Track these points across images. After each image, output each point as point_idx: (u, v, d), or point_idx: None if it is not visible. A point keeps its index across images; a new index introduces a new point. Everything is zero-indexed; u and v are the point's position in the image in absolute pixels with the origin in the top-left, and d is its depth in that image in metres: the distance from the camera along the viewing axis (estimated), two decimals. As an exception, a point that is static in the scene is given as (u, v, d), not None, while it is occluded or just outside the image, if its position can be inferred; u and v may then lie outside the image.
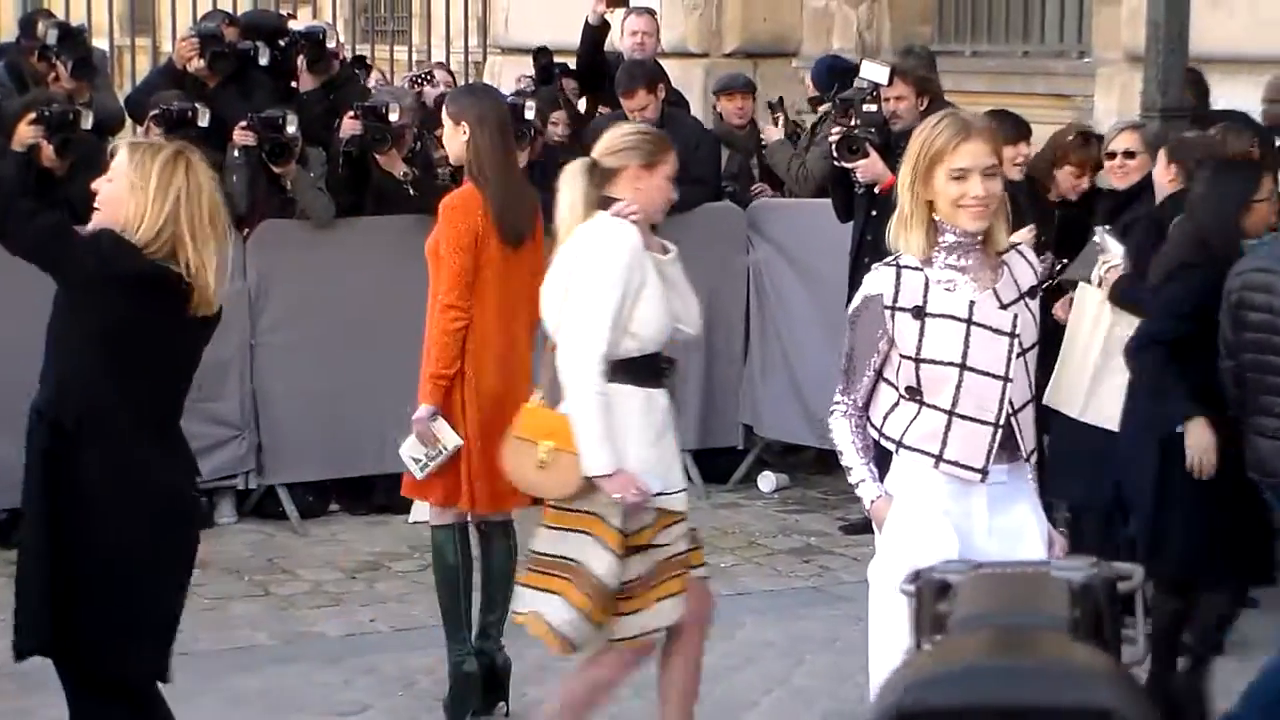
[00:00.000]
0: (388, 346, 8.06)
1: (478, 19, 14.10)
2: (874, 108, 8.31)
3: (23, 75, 9.25)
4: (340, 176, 8.66)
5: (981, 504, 4.45)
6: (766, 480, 9.39)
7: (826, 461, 9.82)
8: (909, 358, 4.41)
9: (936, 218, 4.41)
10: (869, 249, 8.40)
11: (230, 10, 10.80)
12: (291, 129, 8.41)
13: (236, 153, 8.45)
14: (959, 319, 4.40)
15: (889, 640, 4.49)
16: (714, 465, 9.42)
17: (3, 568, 7.77)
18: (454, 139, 6.20)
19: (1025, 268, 4.53)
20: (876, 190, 8.24)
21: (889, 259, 4.47)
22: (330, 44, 9.31)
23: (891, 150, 8.28)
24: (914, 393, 4.43)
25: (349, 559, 8.08)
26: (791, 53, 12.34)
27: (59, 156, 8.08)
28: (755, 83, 10.60)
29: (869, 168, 8.19)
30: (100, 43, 12.38)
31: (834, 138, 8.27)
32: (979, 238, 4.43)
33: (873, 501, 4.51)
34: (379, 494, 8.54)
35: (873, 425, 4.51)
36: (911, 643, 2.03)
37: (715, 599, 5.79)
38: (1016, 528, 4.48)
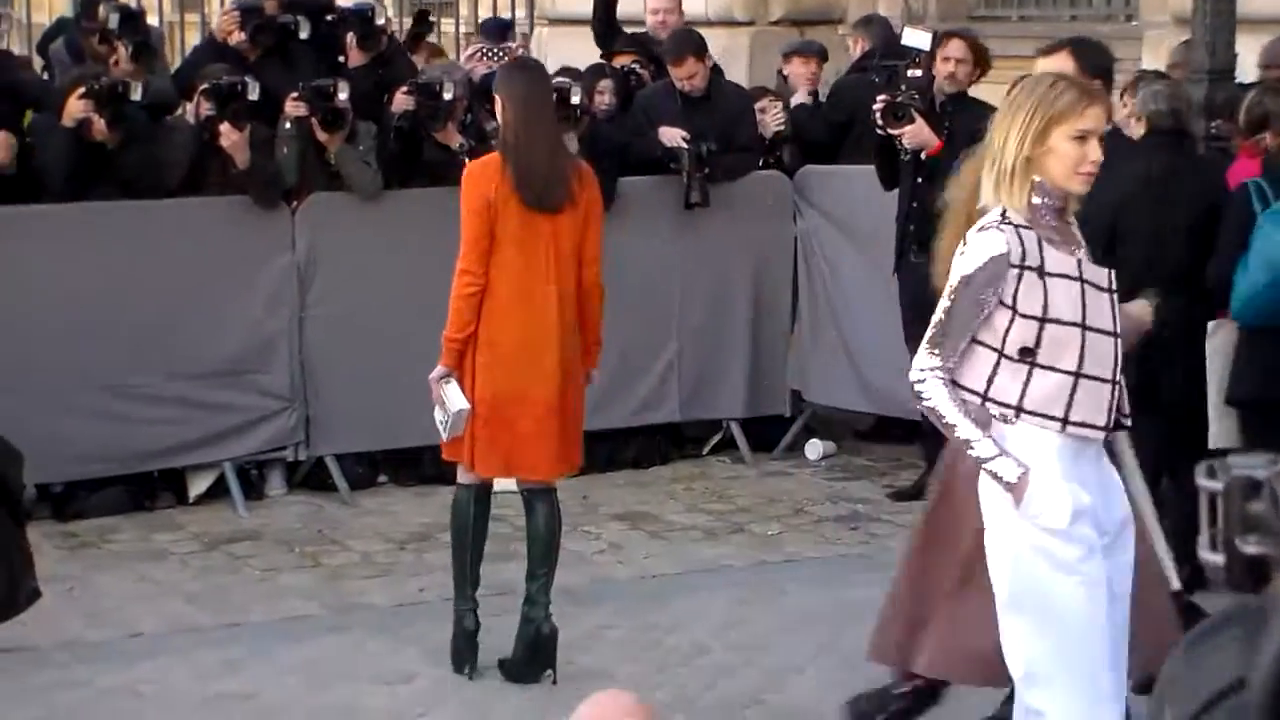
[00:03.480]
0: (436, 317, 8.03)
1: (525, -7, 14.09)
2: (918, 73, 8.29)
3: (82, 55, 9.32)
4: (391, 150, 8.69)
5: (1093, 461, 4.46)
6: (814, 448, 9.39)
7: (874, 429, 9.84)
8: (1032, 317, 4.35)
9: (1036, 177, 4.38)
10: (916, 215, 8.38)
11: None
12: (343, 96, 8.42)
13: (288, 124, 8.48)
14: (1073, 277, 4.38)
15: (1028, 615, 4.42)
16: (761, 434, 9.43)
17: (61, 540, 7.88)
18: (498, 112, 6.32)
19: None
20: (923, 156, 8.22)
21: (996, 218, 4.39)
22: (379, 20, 9.33)
23: (936, 115, 8.26)
24: (1028, 354, 4.37)
25: (398, 530, 8.13)
26: (837, 19, 12.30)
27: (110, 129, 8.14)
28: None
29: (915, 133, 8.16)
30: (151, 19, 12.45)
31: (879, 105, 8.24)
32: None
33: (1019, 477, 4.35)
34: (427, 465, 8.56)
35: (969, 391, 4.42)
36: (1205, 540, 1.99)
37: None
38: (1109, 481, 4.53)
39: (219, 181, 8.40)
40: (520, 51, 9.38)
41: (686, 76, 9.18)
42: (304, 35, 9.12)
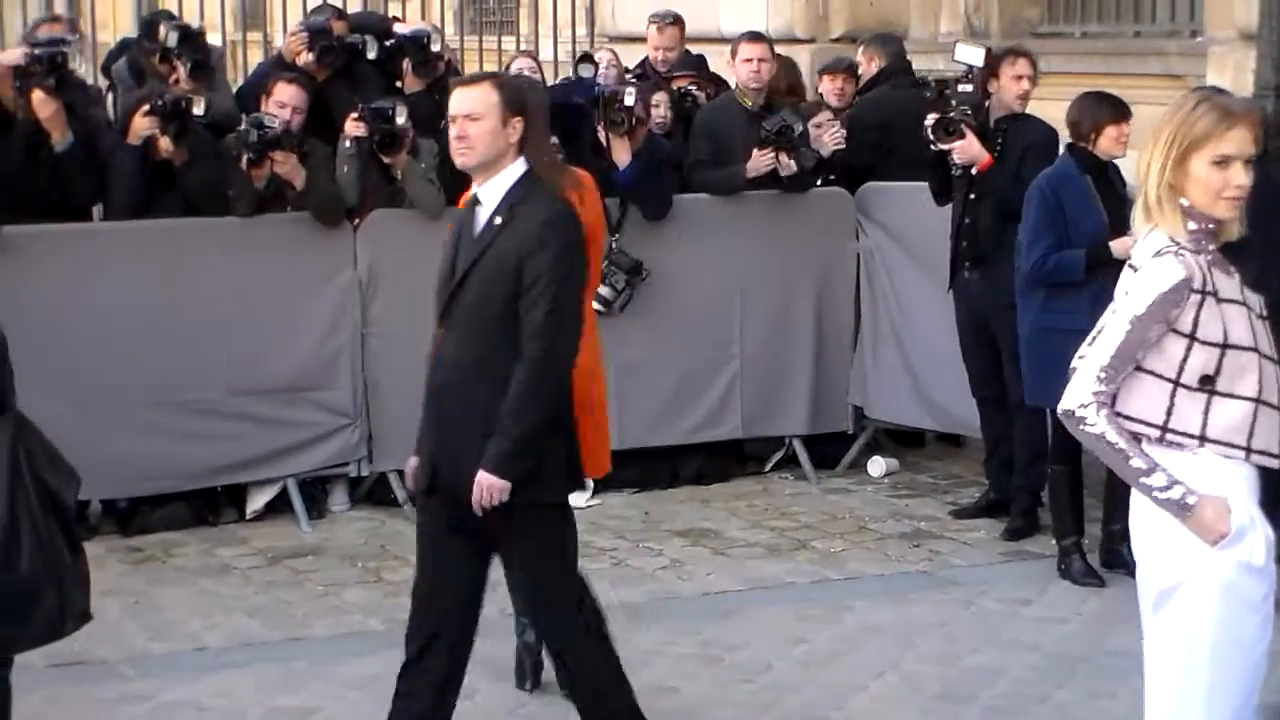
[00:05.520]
0: (497, 334, 8.08)
1: (585, 8, 14.12)
2: (969, 88, 8.24)
3: (144, 74, 9.39)
4: (451, 167, 8.69)
5: (1252, 489, 4.32)
6: (876, 465, 9.37)
7: (937, 446, 9.81)
8: (1213, 344, 4.22)
9: (1184, 202, 4.27)
10: (969, 231, 8.32)
11: (340, 4, 10.87)
12: (401, 119, 8.46)
13: (348, 143, 8.52)
14: (1240, 302, 4.27)
15: (1230, 655, 4.27)
16: (824, 450, 9.40)
17: (125, 555, 7.93)
18: None
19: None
20: (974, 171, 8.18)
21: (1167, 243, 4.26)
22: (435, 47, 9.34)
23: (990, 131, 8.20)
24: (1207, 382, 4.23)
25: (460, 545, 8.13)
26: (899, 37, 12.27)
27: (174, 145, 8.21)
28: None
29: (965, 149, 8.12)
30: (214, 38, 12.51)
31: (930, 120, 8.20)
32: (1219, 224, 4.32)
33: (1196, 502, 4.19)
34: (489, 481, 8.57)
35: (1145, 423, 4.27)
36: None
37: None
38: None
39: (280, 199, 8.44)
40: (523, 68, 9.33)
41: (758, 57, 9.17)
42: (371, 55, 9.16)
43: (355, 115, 8.46)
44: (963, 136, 8.11)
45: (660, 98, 9.31)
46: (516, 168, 5.28)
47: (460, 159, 5.31)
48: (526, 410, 5.17)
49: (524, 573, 5.45)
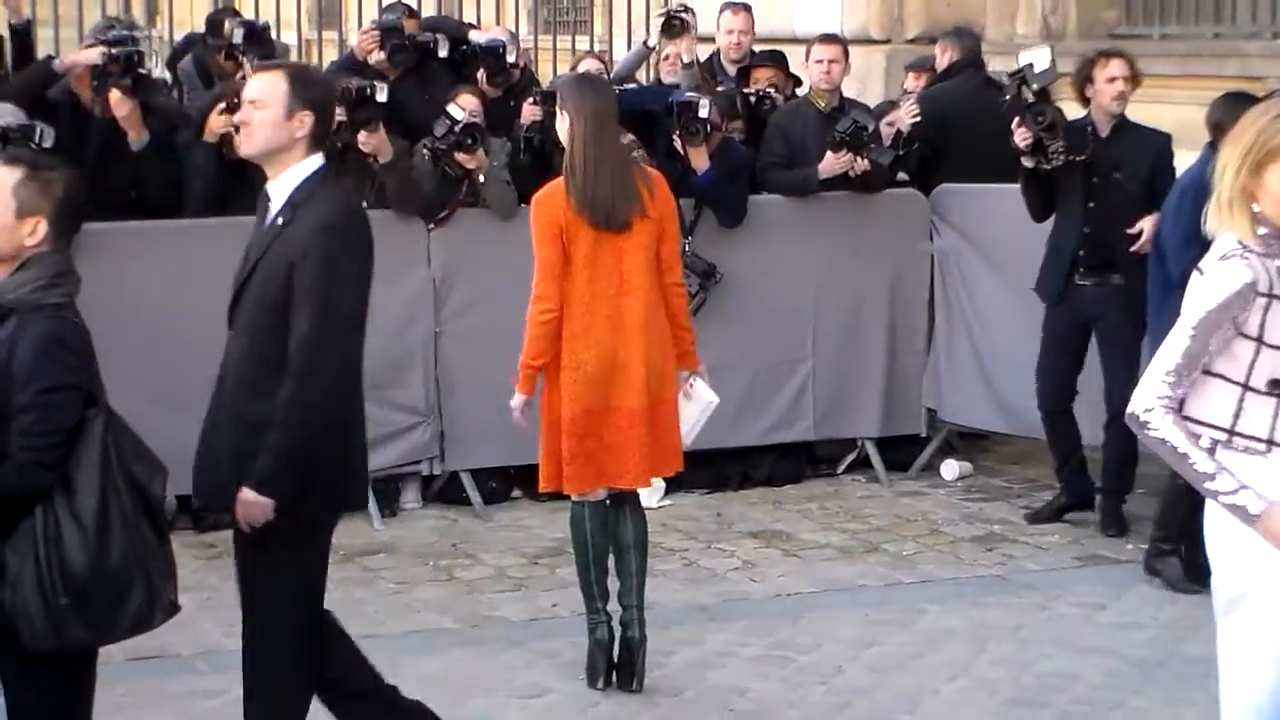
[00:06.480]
0: (570, 334, 8.08)
1: (659, 8, 14.12)
2: (1046, 65, 8.08)
3: (209, 72, 9.44)
4: (523, 163, 8.70)
5: None
6: (949, 468, 9.32)
7: (1006, 450, 9.74)
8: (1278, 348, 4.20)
9: (1256, 208, 4.21)
10: (1091, 239, 8.11)
11: (413, 4, 10.90)
12: (460, 114, 8.41)
13: (425, 152, 8.51)
14: None
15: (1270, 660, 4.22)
16: (896, 453, 9.36)
17: (200, 551, 7.97)
18: (561, 126, 6.33)
19: None
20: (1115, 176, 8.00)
21: (1235, 246, 4.20)
22: (510, 57, 9.34)
23: (1070, 131, 8.05)
24: (1277, 385, 4.19)
25: (531, 544, 8.15)
26: (976, 33, 12.20)
27: (249, 143, 8.24)
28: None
29: None
30: (289, 37, 12.59)
31: (1027, 132, 7.99)
32: None
33: (1263, 508, 4.13)
34: (561, 480, 8.58)
35: (1212, 426, 4.24)
36: None
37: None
38: None
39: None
40: (590, 68, 9.31)
41: (829, 59, 9.15)
42: (442, 54, 9.17)
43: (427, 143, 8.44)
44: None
45: (736, 125, 9.22)
46: (306, 165, 4.97)
47: (240, 146, 5.10)
48: (290, 426, 4.84)
49: (247, 603, 5.16)
